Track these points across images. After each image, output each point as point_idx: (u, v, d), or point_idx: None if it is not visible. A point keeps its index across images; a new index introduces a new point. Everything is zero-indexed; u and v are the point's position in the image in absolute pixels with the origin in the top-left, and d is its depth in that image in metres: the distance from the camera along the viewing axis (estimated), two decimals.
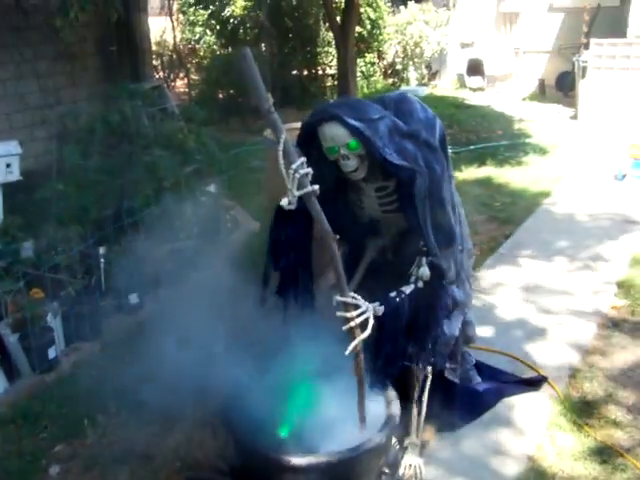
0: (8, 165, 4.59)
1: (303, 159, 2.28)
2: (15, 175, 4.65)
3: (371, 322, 2.51)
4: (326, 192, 2.41)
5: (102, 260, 4.30)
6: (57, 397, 3.50)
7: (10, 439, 3.27)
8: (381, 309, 2.58)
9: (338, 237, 2.42)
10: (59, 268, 4.11)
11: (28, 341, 3.60)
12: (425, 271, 2.72)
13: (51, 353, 3.66)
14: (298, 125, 4.71)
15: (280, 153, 2.23)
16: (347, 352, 2.48)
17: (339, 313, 2.50)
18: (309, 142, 2.64)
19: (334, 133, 2.58)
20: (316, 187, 2.30)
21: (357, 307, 2.50)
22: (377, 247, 3.07)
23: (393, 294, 2.69)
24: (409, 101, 2.76)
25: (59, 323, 3.81)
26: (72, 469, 3.04)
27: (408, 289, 2.71)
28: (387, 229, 3.02)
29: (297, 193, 2.29)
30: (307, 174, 2.28)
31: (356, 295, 2.53)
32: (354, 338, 2.48)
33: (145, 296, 4.35)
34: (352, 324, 2.46)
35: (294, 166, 2.25)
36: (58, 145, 5.82)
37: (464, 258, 2.99)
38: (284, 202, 2.37)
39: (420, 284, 2.74)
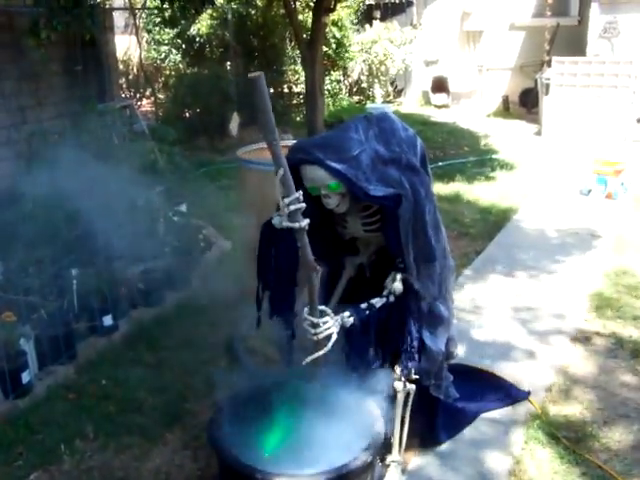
0: None
1: (298, 194, 2.31)
2: None
3: (334, 337, 2.58)
4: (308, 210, 2.42)
5: (74, 281, 4.23)
6: (32, 423, 3.42)
7: None
8: (350, 321, 2.63)
9: (319, 268, 2.46)
10: (30, 290, 4.05)
11: (1, 365, 3.52)
12: (398, 286, 2.74)
13: (25, 377, 3.58)
14: (262, 145, 4.76)
15: (277, 183, 2.28)
16: (304, 362, 2.58)
17: (305, 325, 2.59)
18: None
19: (315, 175, 2.60)
20: (306, 222, 2.34)
21: (325, 323, 2.57)
22: (355, 265, 3.08)
23: (364, 306, 2.73)
24: (391, 120, 2.78)
25: (32, 346, 3.74)
26: None
27: (379, 302, 2.74)
28: (365, 247, 3.04)
29: (286, 225, 2.35)
30: (299, 209, 2.32)
31: (327, 309, 2.60)
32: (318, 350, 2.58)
33: (120, 317, 4.30)
34: (314, 338, 2.56)
35: (287, 201, 2.30)
36: (26, 165, 5.74)
37: (448, 275, 3.01)
38: (276, 221, 2.44)
39: (392, 298, 2.76)
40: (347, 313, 2.64)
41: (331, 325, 2.58)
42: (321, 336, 2.56)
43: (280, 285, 2.82)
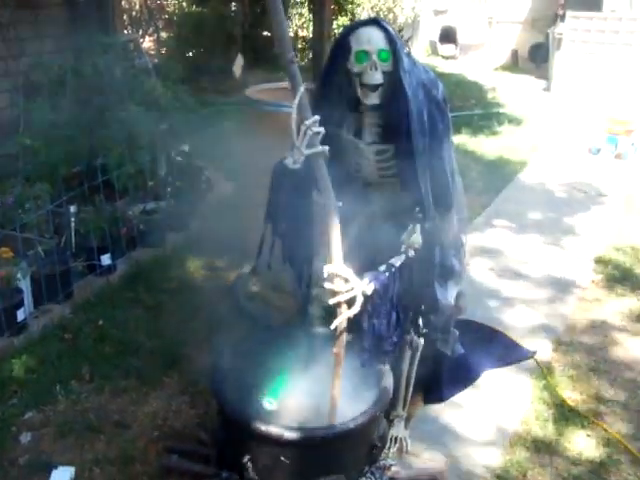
0: None
1: (317, 117, 2.16)
2: None
3: (359, 300, 2.39)
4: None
5: (73, 219, 4.12)
6: (27, 361, 3.34)
7: None
8: (370, 287, 2.43)
9: (340, 204, 2.31)
10: (27, 227, 3.93)
11: None
12: (417, 238, 2.60)
13: (20, 315, 3.49)
14: (270, 86, 4.62)
15: (295, 106, 2.12)
16: (332, 326, 2.39)
17: (327, 285, 2.38)
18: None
19: (371, 35, 2.50)
20: (326, 148, 2.19)
21: (346, 281, 2.36)
22: (367, 215, 2.96)
23: (383, 268, 2.57)
24: (412, 60, 2.65)
25: (28, 284, 3.64)
26: (45, 437, 2.89)
27: (398, 261, 2.59)
28: (379, 196, 2.91)
29: (306, 152, 2.18)
30: (319, 133, 2.17)
31: (348, 269, 2.39)
32: (340, 313, 2.38)
33: (118, 257, 4.19)
34: (340, 298, 2.35)
35: (308, 122, 2.15)
36: (24, 98, 5.58)
37: (462, 227, 2.90)
38: (289, 161, 2.27)
39: (411, 253, 2.62)
40: (367, 280, 2.42)
41: (353, 287, 2.37)
42: (348, 297, 2.36)
43: (293, 231, 2.70)
